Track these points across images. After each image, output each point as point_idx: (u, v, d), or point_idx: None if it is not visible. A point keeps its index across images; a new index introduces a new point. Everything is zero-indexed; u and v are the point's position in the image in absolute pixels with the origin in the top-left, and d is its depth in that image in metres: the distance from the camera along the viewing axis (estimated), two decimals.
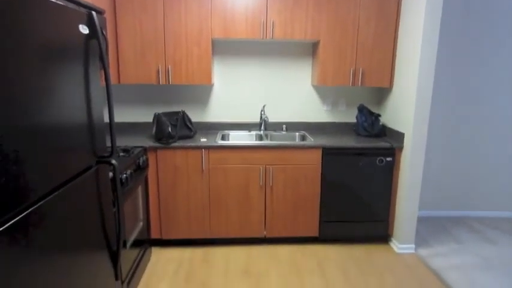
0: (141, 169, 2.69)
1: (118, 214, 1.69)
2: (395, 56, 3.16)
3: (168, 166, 2.95)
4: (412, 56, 2.84)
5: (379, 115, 3.30)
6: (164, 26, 3.02)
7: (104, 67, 1.65)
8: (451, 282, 2.58)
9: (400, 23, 3.07)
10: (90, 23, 1.61)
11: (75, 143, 1.41)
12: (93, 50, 1.66)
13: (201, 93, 3.49)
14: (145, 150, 2.85)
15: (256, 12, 3.03)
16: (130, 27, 3.01)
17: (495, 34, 3.49)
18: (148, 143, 2.95)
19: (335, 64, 3.16)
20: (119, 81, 3.09)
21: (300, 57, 3.48)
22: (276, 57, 3.47)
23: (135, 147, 2.77)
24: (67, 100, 1.35)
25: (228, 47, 3.43)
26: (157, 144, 2.91)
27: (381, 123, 3.30)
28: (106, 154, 1.64)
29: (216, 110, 3.53)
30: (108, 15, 2.83)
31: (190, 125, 3.18)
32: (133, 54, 3.06)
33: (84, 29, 1.57)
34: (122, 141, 2.98)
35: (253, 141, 3.02)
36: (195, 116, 3.53)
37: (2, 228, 0.95)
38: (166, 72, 3.09)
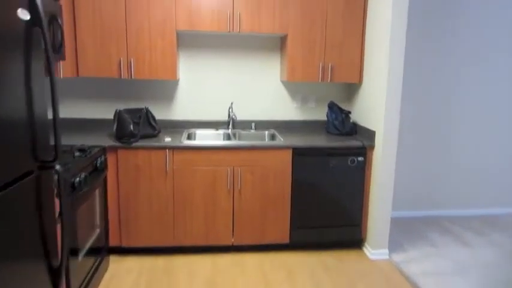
0: (99, 171, 2.48)
1: (62, 224, 1.50)
2: (364, 51, 3.10)
3: (129, 168, 2.75)
4: (380, 51, 2.79)
5: (349, 112, 3.24)
6: (126, 15, 2.81)
7: (48, 58, 1.45)
8: None
9: (368, 17, 3.01)
10: (32, 8, 1.41)
11: (10, 144, 1.22)
12: (37, 38, 1.46)
13: (166, 88, 3.30)
14: (104, 150, 2.63)
15: (222, 4, 2.88)
16: (90, 15, 2.78)
17: (463, 29, 3.52)
18: (109, 142, 2.74)
19: (304, 59, 3.06)
20: (78, 74, 2.85)
21: (269, 52, 3.36)
22: (244, 51, 3.33)
23: (93, 146, 2.55)
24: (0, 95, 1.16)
25: (194, 40, 3.26)
26: (117, 144, 2.70)
27: (351, 121, 3.25)
28: (50, 158, 1.45)
29: (182, 107, 3.35)
30: (64, 1, 2.58)
31: (154, 123, 2.98)
32: (93, 45, 2.82)
33: (24, 14, 1.37)
34: (79, 140, 2.74)
35: (220, 142, 2.87)
36: (159, 114, 3.33)
37: None
38: (129, 65, 2.88)
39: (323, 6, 3.00)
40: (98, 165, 2.46)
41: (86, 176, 2.18)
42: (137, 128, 2.85)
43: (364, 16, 3.05)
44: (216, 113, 3.39)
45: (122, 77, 2.89)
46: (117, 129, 2.82)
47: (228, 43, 3.29)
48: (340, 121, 3.21)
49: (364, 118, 3.15)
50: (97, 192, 2.49)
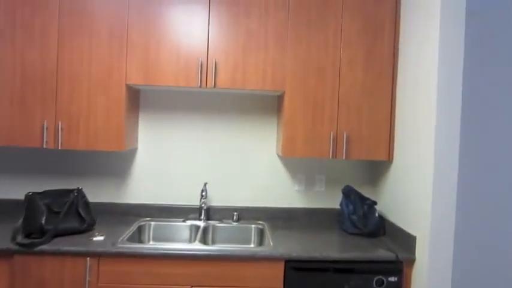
0: None
1: None
2: (395, 115, 2.19)
3: (30, 284, 1.77)
4: (422, 114, 1.86)
5: (374, 203, 2.23)
6: (57, 64, 2.05)
7: None
8: None
9: (399, 69, 2.14)
10: None
11: None
12: None
13: (117, 161, 2.42)
14: None
15: (192, 51, 2.09)
16: (8, 61, 2.03)
17: None
18: (4, 241, 1.80)
19: (307, 126, 2.16)
20: None
21: (261, 115, 2.49)
22: (225, 114, 2.47)
23: None
24: None
25: (157, 98, 2.44)
26: (13, 247, 1.76)
27: (377, 215, 2.22)
28: None
29: (138, 187, 2.43)
30: None
31: (84, 213, 2.05)
32: (9, 102, 2.04)
33: None
34: None
35: (173, 245, 1.90)
36: (104, 195, 2.41)
37: None
38: (56, 131, 2.05)
39: (335, 52, 2.16)
40: None
41: None
42: (54, 220, 1.92)
43: (394, 67, 2.19)
44: (185, 196, 2.45)
45: (45, 146, 2.04)
46: (23, 221, 1.91)
47: (202, 102, 2.45)
48: (360, 216, 2.19)
49: (396, 213, 2.13)
50: None
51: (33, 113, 2.05)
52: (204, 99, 2.45)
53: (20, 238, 1.85)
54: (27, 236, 1.88)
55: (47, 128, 2.05)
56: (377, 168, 2.45)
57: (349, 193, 2.27)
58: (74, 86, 2.06)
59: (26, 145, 2.05)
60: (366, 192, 2.49)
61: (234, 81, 2.11)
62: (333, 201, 2.51)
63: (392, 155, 2.19)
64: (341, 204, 2.30)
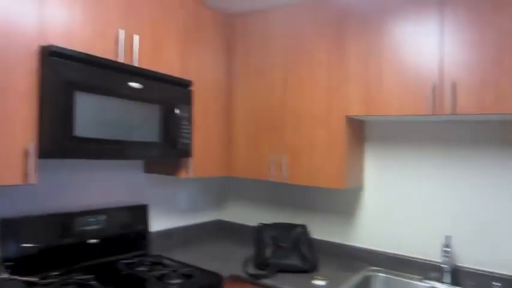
0: None
1: None
2: None
3: None
4: None
5: None
6: (282, 100, 2.16)
7: None
8: None
9: None
10: None
11: None
12: None
13: (343, 198, 2.26)
14: (219, 280, 1.89)
15: (420, 72, 1.71)
16: (245, 103, 2.32)
17: None
18: (237, 267, 1.99)
19: None
20: (227, 173, 2.39)
21: None
22: (477, 146, 1.86)
23: (204, 271, 1.87)
24: None
25: (384, 130, 2.13)
26: (244, 276, 1.91)
27: None
28: None
29: (365, 229, 2.17)
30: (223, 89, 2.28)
31: (307, 251, 2.00)
32: (245, 138, 2.31)
33: None
34: (225, 251, 2.16)
35: None
36: (330, 234, 2.29)
37: None
38: (281, 165, 2.14)
39: None
40: None
41: None
42: (279, 255, 1.97)
43: None
44: (421, 248, 1.99)
45: (271, 179, 2.16)
46: (254, 251, 2.06)
47: (441, 132, 1.95)
48: None
49: None
50: None
51: (262, 147, 2.23)
52: (442, 128, 1.95)
53: (249, 267, 2.00)
54: (257, 266, 2.01)
55: (273, 162, 2.17)
56: None
57: None
58: (296, 119, 2.10)
59: (256, 177, 2.25)
60: None
61: (481, 105, 1.56)
62: None
63: None
64: None
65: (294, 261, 1.97)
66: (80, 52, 1.50)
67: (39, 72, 1.43)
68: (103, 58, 1.58)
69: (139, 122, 1.71)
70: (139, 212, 2.13)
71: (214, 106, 2.28)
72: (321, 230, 2.34)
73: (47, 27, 1.45)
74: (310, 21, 2.05)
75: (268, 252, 1.98)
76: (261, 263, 1.97)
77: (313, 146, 2.03)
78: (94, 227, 1.88)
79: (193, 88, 2.11)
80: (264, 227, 2.08)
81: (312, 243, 2.05)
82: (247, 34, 2.30)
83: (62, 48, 1.43)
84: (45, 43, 1.44)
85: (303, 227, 2.09)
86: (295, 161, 2.10)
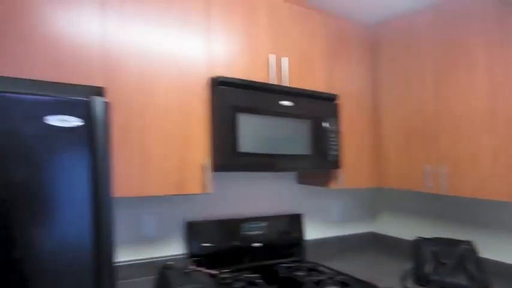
0: None
1: None
2: None
3: None
4: None
5: None
6: (435, 105, 2.01)
7: None
8: None
9: None
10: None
11: None
12: None
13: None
14: None
15: None
16: (394, 112, 2.24)
17: None
18: (393, 280, 1.92)
19: None
20: (378, 184, 2.33)
21: None
22: None
23: (360, 280, 1.87)
24: None
25: None
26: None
27: None
28: None
29: None
30: (369, 96, 2.28)
31: (475, 270, 1.78)
32: (395, 147, 2.22)
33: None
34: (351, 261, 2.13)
35: None
36: (496, 252, 1.97)
37: None
38: (438, 175, 1.98)
39: None
40: None
41: None
42: (441, 271, 1.82)
43: None
44: None
45: (428, 191, 2.01)
46: (413, 266, 1.95)
47: None
48: None
49: None
50: None
51: (414, 157, 2.10)
52: None
53: (408, 281, 1.90)
54: (417, 281, 1.90)
55: (428, 172, 2.02)
56: None
57: None
58: (453, 125, 1.91)
59: (409, 188, 2.12)
60: None
61: None
62: None
63: None
64: None
65: (461, 280, 1.79)
66: (240, 79, 1.76)
67: (210, 99, 1.74)
68: (258, 82, 1.81)
69: (291, 136, 1.87)
70: (295, 221, 2.29)
71: (361, 117, 2.28)
72: (490, 248, 2.04)
73: (213, 60, 1.76)
74: (462, 15, 1.88)
75: (428, 267, 1.85)
76: (421, 279, 1.86)
77: (477, 153, 1.82)
78: (257, 232, 2.12)
79: (339, 101, 2.18)
80: (423, 241, 1.95)
81: (480, 262, 1.82)
82: (391, 42, 2.24)
83: (226, 77, 1.71)
84: (213, 74, 1.75)
85: (469, 243, 1.87)
86: (455, 171, 1.91)
